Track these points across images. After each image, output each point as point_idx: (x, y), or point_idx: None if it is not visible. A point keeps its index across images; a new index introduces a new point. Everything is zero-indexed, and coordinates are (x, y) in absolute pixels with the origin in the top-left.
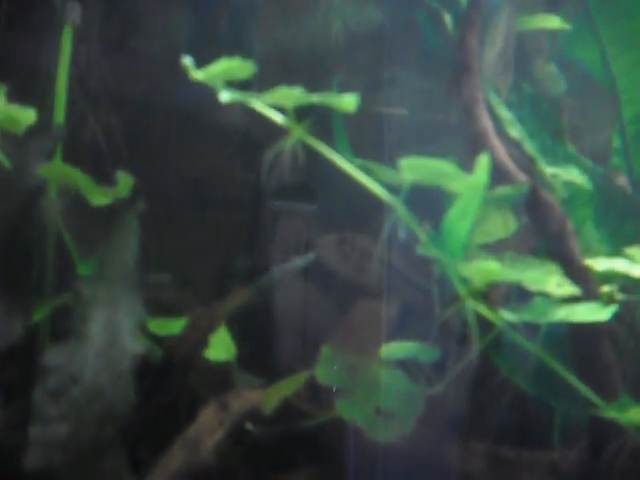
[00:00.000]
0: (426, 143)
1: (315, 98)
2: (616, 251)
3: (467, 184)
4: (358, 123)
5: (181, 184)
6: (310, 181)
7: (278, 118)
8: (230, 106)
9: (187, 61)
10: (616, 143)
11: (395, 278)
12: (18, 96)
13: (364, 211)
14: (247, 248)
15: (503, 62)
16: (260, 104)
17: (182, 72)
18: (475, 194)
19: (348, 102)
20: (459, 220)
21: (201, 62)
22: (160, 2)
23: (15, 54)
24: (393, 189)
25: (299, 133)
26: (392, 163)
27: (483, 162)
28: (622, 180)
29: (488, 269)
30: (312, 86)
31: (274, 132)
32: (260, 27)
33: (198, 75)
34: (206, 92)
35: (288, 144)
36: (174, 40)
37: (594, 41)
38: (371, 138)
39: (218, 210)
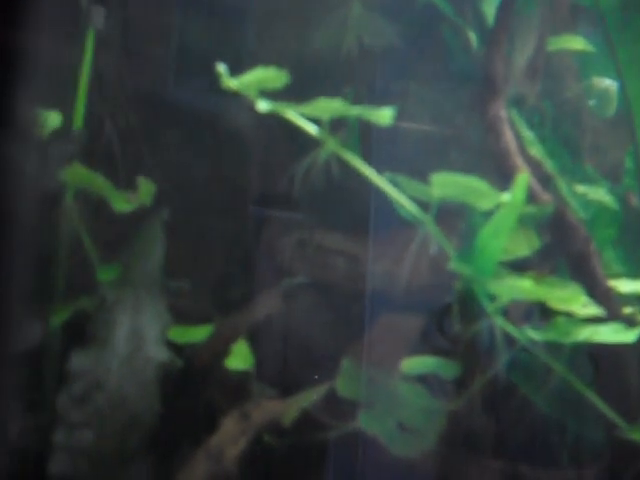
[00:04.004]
0: (443, 158)
1: (354, 111)
2: (631, 272)
3: (503, 202)
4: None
5: (197, 189)
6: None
7: (312, 129)
8: (247, 111)
9: (221, 68)
10: (629, 164)
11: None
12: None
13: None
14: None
15: (533, 69)
16: (295, 115)
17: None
18: (510, 213)
19: (385, 116)
20: (493, 238)
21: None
22: (171, 9)
23: (37, 56)
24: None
25: (332, 145)
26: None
27: (521, 181)
28: (634, 201)
29: (520, 287)
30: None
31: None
32: (269, 36)
33: (232, 83)
34: (218, 97)
35: (322, 156)
36: (186, 47)
37: (611, 62)
38: (383, 150)
39: (232, 217)
